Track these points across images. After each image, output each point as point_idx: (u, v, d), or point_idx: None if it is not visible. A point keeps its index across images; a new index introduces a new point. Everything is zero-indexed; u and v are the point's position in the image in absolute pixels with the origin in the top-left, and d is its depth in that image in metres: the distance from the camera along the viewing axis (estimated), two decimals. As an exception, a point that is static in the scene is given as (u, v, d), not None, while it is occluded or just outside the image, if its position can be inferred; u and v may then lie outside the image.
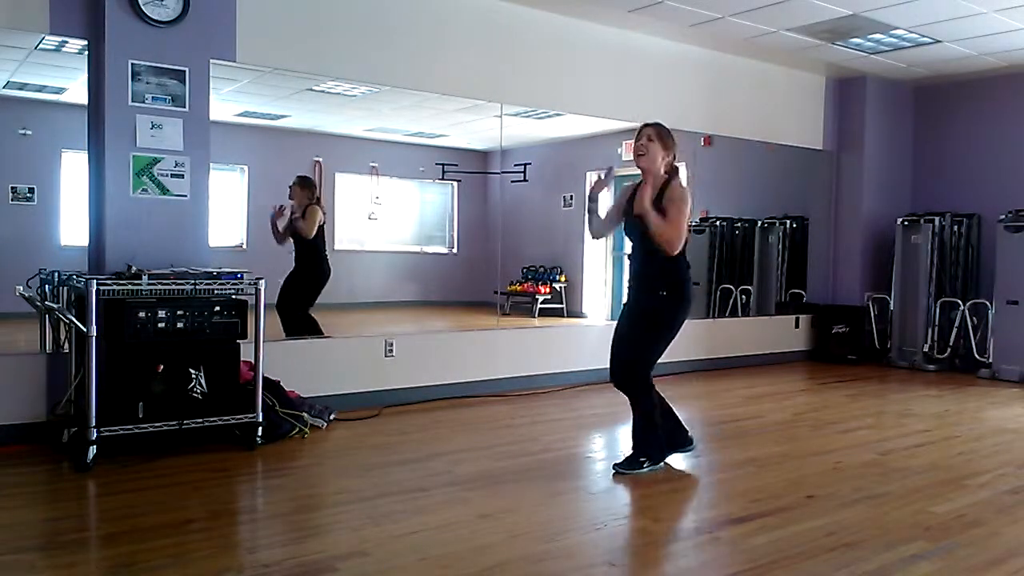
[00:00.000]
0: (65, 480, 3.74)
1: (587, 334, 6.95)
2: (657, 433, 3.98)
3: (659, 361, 4.02)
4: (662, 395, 4.05)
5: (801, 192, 8.63)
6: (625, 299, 4.16)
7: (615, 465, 3.98)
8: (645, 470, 3.93)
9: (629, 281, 4.10)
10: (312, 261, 6.31)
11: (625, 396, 4.03)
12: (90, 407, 3.81)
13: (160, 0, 4.44)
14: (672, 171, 3.93)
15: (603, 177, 4.11)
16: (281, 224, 6.36)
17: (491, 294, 8.67)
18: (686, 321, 4.01)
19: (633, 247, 4.04)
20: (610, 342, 4.07)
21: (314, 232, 6.25)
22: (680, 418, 4.17)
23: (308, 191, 6.39)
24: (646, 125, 3.97)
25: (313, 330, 5.96)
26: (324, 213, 6.41)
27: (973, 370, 7.34)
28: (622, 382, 4.01)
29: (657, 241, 3.80)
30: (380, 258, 10.30)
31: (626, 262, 4.25)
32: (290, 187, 6.41)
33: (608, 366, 4.06)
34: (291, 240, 6.34)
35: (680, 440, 4.15)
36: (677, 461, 4.11)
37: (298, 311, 6.10)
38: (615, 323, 4.13)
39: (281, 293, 6.07)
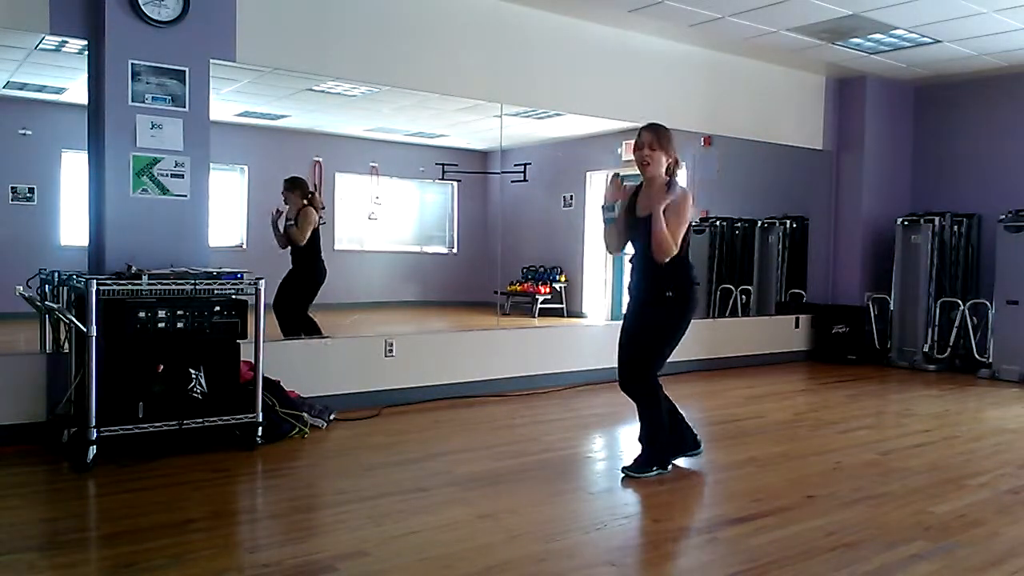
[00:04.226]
0: (65, 480, 3.73)
1: (587, 334, 6.96)
2: (665, 436, 3.96)
3: (659, 361, 4.02)
4: (669, 397, 4.04)
5: (801, 192, 8.63)
6: (627, 303, 4.10)
7: (624, 468, 3.94)
8: (653, 474, 3.91)
9: (631, 284, 4.03)
10: (307, 264, 6.28)
11: (631, 399, 4.02)
12: (90, 407, 3.80)
13: (160, 0, 4.44)
14: (674, 168, 3.91)
15: (615, 182, 3.96)
16: (281, 225, 6.34)
17: (491, 294, 8.67)
18: (686, 322, 4.01)
19: (636, 249, 4.00)
20: (613, 343, 4.05)
21: (306, 238, 6.21)
22: (687, 420, 4.16)
23: (299, 191, 6.33)
24: (644, 131, 3.88)
25: (312, 330, 5.94)
26: (321, 208, 6.37)
27: (973, 370, 7.34)
28: (629, 385, 3.98)
29: (652, 245, 3.78)
30: (380, 258, 10.30)
31: (626, 263, 4.21)
32: (282, 192, 6.38)
33: (616, 369, 4.02)
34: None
35: (688, 443, 4.14)
36: (678, 460, 4.11)
37: (295, 312, 6.09)
38: (620, 326, 4.07)
39: (277, 294, 6.06)
